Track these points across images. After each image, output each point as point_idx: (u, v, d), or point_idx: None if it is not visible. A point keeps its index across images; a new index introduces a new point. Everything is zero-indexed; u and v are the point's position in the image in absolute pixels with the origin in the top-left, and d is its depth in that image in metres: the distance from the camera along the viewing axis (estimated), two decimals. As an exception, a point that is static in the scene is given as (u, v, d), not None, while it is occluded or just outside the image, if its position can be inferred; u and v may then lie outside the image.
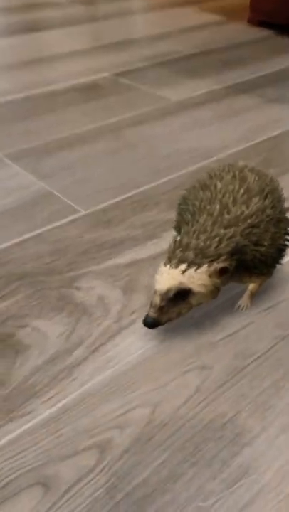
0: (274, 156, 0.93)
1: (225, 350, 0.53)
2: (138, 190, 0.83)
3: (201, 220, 0.49)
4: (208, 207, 0.50)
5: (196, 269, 0.46)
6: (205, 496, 0.40)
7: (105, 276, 0.64)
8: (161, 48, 1.64)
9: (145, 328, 0.56)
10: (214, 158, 0.93)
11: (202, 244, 0.47)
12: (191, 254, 0.46)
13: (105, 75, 1.40)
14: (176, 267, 0.46)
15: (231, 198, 0.50)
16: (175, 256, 0.47)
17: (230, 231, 0.48)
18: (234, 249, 0.48)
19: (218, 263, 0.47)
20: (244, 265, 0.50)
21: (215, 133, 1.03)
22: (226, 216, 0.49)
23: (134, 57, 1.55)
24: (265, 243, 0.49)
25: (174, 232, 0.72)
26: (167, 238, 0.71)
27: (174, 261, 0.46)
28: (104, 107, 1.18)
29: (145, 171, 0.89)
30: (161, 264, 0.48)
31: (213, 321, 0.57)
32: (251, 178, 0.52)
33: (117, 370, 0.51)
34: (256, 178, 0.52)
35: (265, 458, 0.43)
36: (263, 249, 0.49)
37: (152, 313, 0.47)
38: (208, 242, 0.47)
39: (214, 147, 0.97)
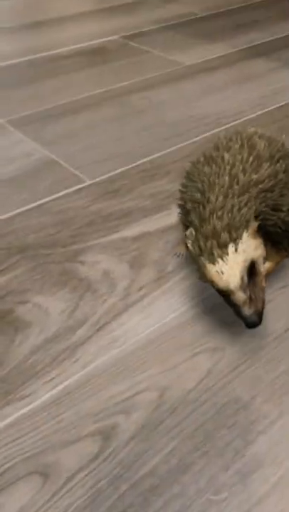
0: (292, 123, 0.87)
1: (238, 331, 0.49)
2: (146, 159, 0.78)
3: (213, 198, 0.45)
4: (217, 181, 0.46)
5: (242, 242, 0.42)
6: (216, 488, 0.37)
7: (111, 249, 0.60)
8: (173, 10, 1.55)
9: (153, 306, 0.52)
10: (228, 125, 0.87)
11: (227, 220, 0.42)
12: (225, 235, 0.41)
13: (113, 38, 1.33)
14: (226, 253, 0.41)
15: (241, 168, 0.46)
16: (213, 247, 0.42)
17: (244, 198, 0.44)
18: (255, 213, 0.44)
19: (252, 224, 0.43)
20: (267, 233, 0.47)
21: (229, 99, 0.97)
22: (236, 186, 0.45)
23: (144, 19, 1.48)
24: (284, 208, 0.46)
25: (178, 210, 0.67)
26: (177, 210, 0.67)
27: (218, 251, 0.41)
28: (112, 71, 1.12)
29: (154, 139, 0.84)
30: (208, 268, 0.42)
31: (226, 299, 0.53)
32: (261, 145, 0.48)
33: (124, 350, 0.48)
34: (266, 145, 0.48)
35: (281, 447, 0.39)
36: (282, 214, 0.46)
37: (248, 311, 0.41)
38: (230, 215, 0.43)
39: (228, 113, 0.91)
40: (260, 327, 0.50)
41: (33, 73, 1.13)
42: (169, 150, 0.80)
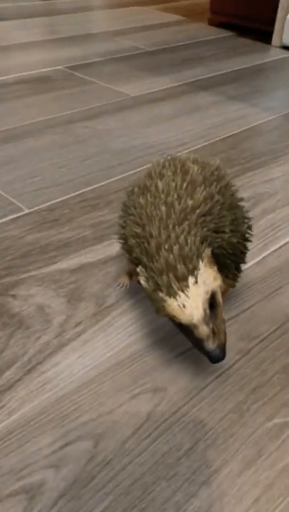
0: (234, 154, 0.87)
1: (181, 368, 0.46)
2: (88, 188, 0.75)
3: (155, 232, 0.42)
4: (154, 212, 0.44)
5: (200, 273, 0.39)
6: None
7: (48, 282, 0.56)
8: (120, 44, 1.57)
9: (90, 344, 0.48)
10: (171, 155, 0.86)
11: (177, 251, 0.40)
12: (182, 268, 0.39)
13: (59, 67, 1.32)
14: (187, 286, 0.39)
15: (176, 195, 0.44)
16: (169, 283, 0.39)
17: (185, 226, 0.42)
18: (201, 240, 0.42)
19: (204, 253, 0.41)
20: (215, 254, 0.45)
21: (173, 129, 0.97)
22: (174, 216, 0.43)
23: (91, 51, 1.48)
24: (227, 229, 0.44)
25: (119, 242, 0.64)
26: (119, 243, 0.64)
27: (177, 285, 0.39)
28: (55, 100, 1.10)
29: (96, 168, 0.81)
30: (169, 303, 0.39)
31: (168, 335, 0.50)
32: (194, 169, 0.46)
33: (56, 394, 0.43)
34: (200, 169, 0.47)
35: (226, 500, 0.36)
36: (226, 235, 0.44)
37: (212, 345, 0.38)
38: (178, 246, 0.40)
39: (172, 144, 0.90)
40: (205, 365, 0.47)
41: (-26, 99, 1.09)
42: (111, 179, 0.78)
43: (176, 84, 1.22)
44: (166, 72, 1.31)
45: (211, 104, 1.11)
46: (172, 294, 0.39)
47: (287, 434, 0.40)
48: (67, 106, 1.06)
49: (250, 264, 0.60)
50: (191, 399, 0.43)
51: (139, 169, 0.81)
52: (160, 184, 0.45)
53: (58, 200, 0.72)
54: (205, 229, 0.43)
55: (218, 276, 0.42)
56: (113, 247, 0.62)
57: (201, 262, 0.40)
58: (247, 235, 0.48)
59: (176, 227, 0.42)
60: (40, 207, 0.70)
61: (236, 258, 0.47)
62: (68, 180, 0.77)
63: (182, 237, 0.41)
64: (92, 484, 0.36)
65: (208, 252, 0.41)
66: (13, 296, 0.54)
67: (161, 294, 0.39)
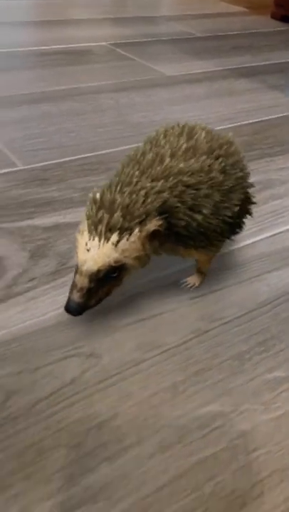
0: (256, 140, 0.82)
1: (125, 338, 0.42)
2: (92, 154, 0.72)
3: (127, 170, 0.39)
4: (140, 158, 0.40)
5: (127, 239, 0.36)
6: (26, 521, 0.29)
7: (17, 236, 0.53)
8: (174, 28, 1.53)
9: (36, 300, 0.45)
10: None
11: (127, 200, 0.37)
12: (118, 217, 0.36)
13: (103, 43, 1.30)
14: (107, 238, 0.36)
15: (169, 152, 0.40)
16: (100, 220, 0.36)
17: (158, 185, 0.38)
18: (162, 207, 0.38)
19: (148, 223, 0.37)
20: (176, 232, 0.40)
21: (201, 109, 0.92)
22: (157, 168, 0.39)
23: (140, 32, 1.45)
24: (205, 211, 0.39)
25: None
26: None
27: (101, 228, 0.36)
28: (89, 71, 1.08)
29: (108, 136, 0.78)
30: (83, 234, 0.37)
31: (126, 302, 0.46)
32: (201, 135, 0.42)
33: (-17, 343, 0.40)
34: (208, 139, 0.42)
35: (125, 482, 0.32)
36: (200, 217, 0.39)
37: (78, 298, 0.37)
38: (133, 197, 0.37)
39: (194, 122, 0.86)
40: (153, 338, 0.42)
41: (13, 63, 1.09)
42: (118, 148, 0.75)
43: (217, 69, 1.16)
44: (210, 57, 1.26)
45: (247, 90, 1.05)
46: (91, 233, 0.36)
47: (217, 423, 0.36)
48: (98, 78, 1.04)
49: (239, 245, 0.55)
50: (124, 370, 0.39)
51: (149, 142, 0.77)
52: (162, 140, 0.42)
53: (56, 161, 0.69)
54: (177, 199, 0.38)
55: (143, 260, 0.39)
56: (97, 212, 0.59)
57: (136, 231, 0.36)
58: (235, 222, 0.44)
59: (149, 179, 0.38)
60: (36, 165, 0.68)
61: (208, 236, 0.42)
62: (74, 145, 0.74)
63: (143, 192, 0.37)
64: (-16, 439, 0.33)
65: (152, 227, 0.37)
66: (-25, 243, 0.52)
67: (84, 225, 0.37)
